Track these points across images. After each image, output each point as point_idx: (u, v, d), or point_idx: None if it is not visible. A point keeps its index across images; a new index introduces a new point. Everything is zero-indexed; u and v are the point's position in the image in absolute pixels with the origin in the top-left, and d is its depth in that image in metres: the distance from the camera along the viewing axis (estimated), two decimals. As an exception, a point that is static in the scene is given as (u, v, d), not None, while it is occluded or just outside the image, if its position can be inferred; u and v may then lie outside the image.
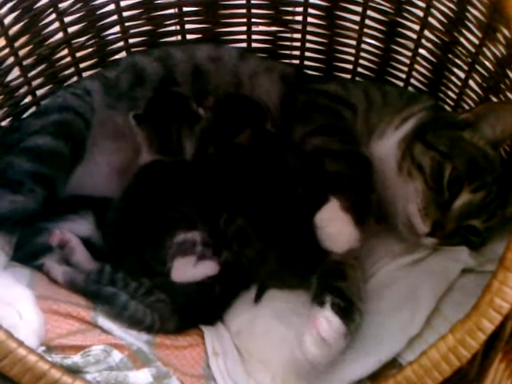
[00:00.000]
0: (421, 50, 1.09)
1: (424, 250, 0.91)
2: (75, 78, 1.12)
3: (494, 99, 0.95)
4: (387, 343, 0.80)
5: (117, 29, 1.12)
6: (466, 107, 1.04)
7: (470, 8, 0.93)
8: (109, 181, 1.00)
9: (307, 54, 1.19)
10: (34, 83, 1.06)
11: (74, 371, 0.69)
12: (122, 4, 1.10)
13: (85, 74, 1.13)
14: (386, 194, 0.93)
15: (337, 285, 0.84)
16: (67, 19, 1.05)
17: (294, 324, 0.86)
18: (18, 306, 0.74)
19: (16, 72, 1.02)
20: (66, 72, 1.11)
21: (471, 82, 1.01)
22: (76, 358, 0.71)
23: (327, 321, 0.77)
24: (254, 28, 1.18)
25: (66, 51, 1.08)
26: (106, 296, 0.82)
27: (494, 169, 0.87)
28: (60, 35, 1.06)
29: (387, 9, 1.08)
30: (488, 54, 0.93)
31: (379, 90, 1.04)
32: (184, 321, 0.85)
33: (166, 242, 0.88)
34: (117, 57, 1.15)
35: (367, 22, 1.11)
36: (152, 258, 0.88)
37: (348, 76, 1.19)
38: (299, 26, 1.16)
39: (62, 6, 1.03)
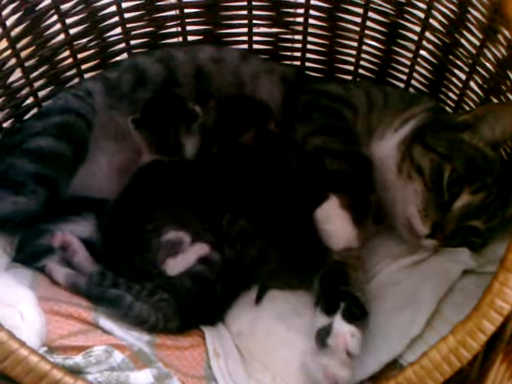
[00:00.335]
0: (422, 52, 1.09)
1: (425, 252, 0.91)
2: (77, 80, 1.12)
3: (495, 100, 0.95)
4: (388, 344, 0.80)
5: (118, 30, 1.13)
6: (467, 108, 1.04)
7: (470, 9, 0.93)
8: (110, 181, 1.00)
9: (308, 55, 1.19)
10: (36, 85, 1.06)
11: (76, 372, 0.69)
12: (124, 5, 1.10)
13: (86, 76, 1.13)
14: (385, 195, 0.93)
15: (347, 290, 0.84)
16: (69, 21, 1.05)
17: (295, 324, 0.86)
18: (19, 307, 0.74)
19: (18, 73, 1.02)
20: (68, 73, 1.11)
21: (472, 84, 1.01)
22: (77, 359, 0.71)
23: (351, 335, 0.77)
24: (255, 29, 1.18)
25: (67, 52, 1.09)
26: (111, 298, 0.82)
27: (493, 170, 0.87)
28: (62, 37, 1.06)
29: (388, 10, 1.08)
30: (489, 55, 0.93)
31: (380, 91, 1.04)
32: (186, 320, 0.85)
33: (152, 244, 0.88)
34: (118, 58, 1.15)
35: (368, 23, 1.11)
36: (142, 262, 0.88)
37: (349, 77, 1.19)
38: (300, 28, 1.16)
39: (64, 7, 1.04)
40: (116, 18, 1.11)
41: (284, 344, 0.84)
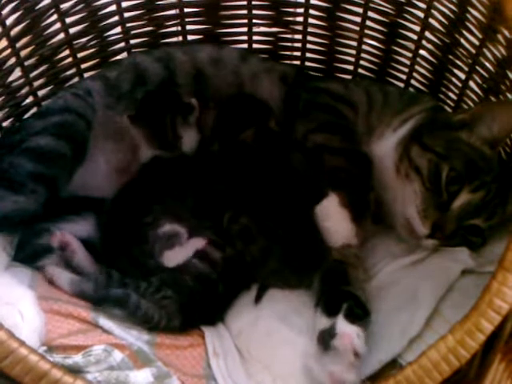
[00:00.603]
0: (421, 51, 1.09)
1: (424, 251, 0.91)
2: (77, 79, 1.12)
3: (494, 100, 0.95)
4: (387, 344, 0.80)
5: (118, 30, 1.13)
6: (467, 108, 1.04)
7: (470, 9, 0.93)
8: (109, 181, 1.00)
9: (308, 54, 1.19)
10: (36, 84, 1.06)
11: (75, 371, 0.70)
12: (124, 5, 1.10)
13: (86, 75, 1.13)
14: (385, 195, 0.93)
15: (348, 289, 0.84)
16: (69, 20, 1.05)
17: (295, 324, 0.86)
18: (19, 306, 0.75)
19: (17, 73, 1.02)
20: (68, 73, 1.11)
21: (471, 83, 1.01)
22: (77, 358, 0.71)
23: (357, 335, 0.77)
24: (254, 29, 1.18)
25: (67, 52, 1.09)
26: (118, 298, 0.82)
27: (491, 168, 0.87)
28: (61, 36, 1.06)
29: (388, 10, 1.08)
30: (488, 54, 0.93)
31: (380, 90, 1.04)
32: (187, 319, 0.85)
33: (149, 236, 0.88)
34: (118, 57, 1.15)
35: (368, 23, 1.11)
36: (140, 254, 0.88)
37: (349, 77, 1.19)
38: (300, 27, 1.16)
39: (64, 6, 1.04)
40: (116, 18, 1.11)
41: (284, 344, 0.84)
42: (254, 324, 0.87)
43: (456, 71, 1.04)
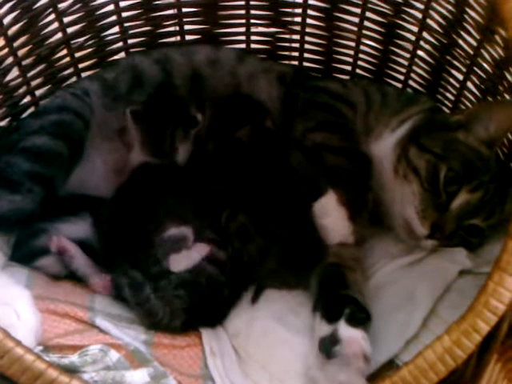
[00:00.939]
0: (419, 52, 1.09)
1: (422, 251, 0.91)
2: (74, 79, 1.12)
3: (492, 101, 0.95)
4: (384, 344, 0.80)
5: (116, 29, 1.12)
6: (464, 108, 1.04)
7: (468, 10, 0.93)
8: (106, 181, 1.00)
9: (306, 55, 1.19)
10: (33, 83, 1.06)
11: (71, 371, 0.70)
12: (122, 4, 1.10)
13: (84, 75, 1.13)
14: (383, 196, 0.93)
15: (346, 293, 0.84)
16: (66, 19, 1.05)
17: (291, 324, 0.86)
18: (15, 306, 0.74)
19: (15, 72, 1.02)
20: (65, 72, 1.11)
21: (469, 84, 1.01)
22: (73, 358, 0.71)
23: (363, 338, 0.76)
24: (253, 29, 1.18)
25: (65, 51, 1.09)
26: (133, 282, 0.83)
27: (489, 168, 0.87)
28: (59, 35, 1.06)
29: (386, 10, 1.08)
30: (486, 55, 0.93)
31: (378, 90, 1.04)
32: (189, 321, 0.85)
33: (155, 241, 0.88)
34: (116, 57, 1.15)
35: (366, 23, 1.11)
36: (145, 259, 0.88)
37: (347, 77, 1.19)
38: (298, 27, 1.16)
39: (62, 6, 1.03)
40: (113, 17, 1.11)
41: (281, 344, 0.84)
42: (251, 324, 0.87)
43: (454, 72, 1.04)
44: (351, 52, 1.16)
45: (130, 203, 0.93)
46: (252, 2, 1.14)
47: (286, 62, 1.21)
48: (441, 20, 1.01)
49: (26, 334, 0.71)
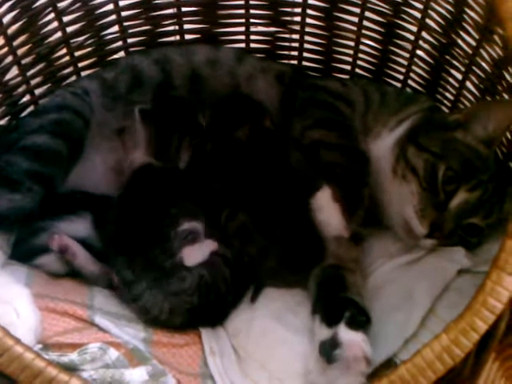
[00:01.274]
0: (418, 52, 1.09)
1: (420, 251, 0.91)
2: (74, 78, 1.12)
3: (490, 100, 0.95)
4: (383, 343, 0.80)
5: (115, 28, 1.12)
6: (463, 108, 1.04)
7: (467, 9, 0.93)
8: (106, 180, 1.00)
9: (305, 54, 1.19)
10: (33, 82, 1.06)
11: (71, 369, 0.70)
12: (121, 4, 1.10)
13: (83, 74, 1.13)
14: (382, 196, 0.93)
15: (346, 296, 0.84)
16: (66, 18, 1.05)
17: (290, 323, 0.86)
18: (15, 304, 0.74)
19: (14, 71, 1.02)
20: (65, 71, 1.11)
21: (468, 84, 1.01)
22: (72, 356, 0.71)
23: (363, 341, 0.76)
24: (252, 28, 1.17)
25: (64, 50, 1.08)
26: (127, 281, 0.83)
27: (488, 167, 0.87)
28: (59, 34, 1.06)
29: (385, 10, 1.08)
30: (485, 55, 0.93)
31: (377, 90, 1.04)
32: (191, 320, 0.86)
33: (170, 233, 0.88)
34: (115, 56, 1.15)
35: (365, 23, 1.11)
36: (161, 253, 0.87)
37: (346, 77, 1.19)
38: (298, 27, 1.16)
39: (61, 5, 1.03)
40: (113, 17, 1.11)
41: (280, 343, 0.84)
42: (250, 323, 0.87)
43: (453, 71, 1.04)
44: (351, 52, 1.16)
45: (138, 203, 0.92)
46: (251, 2, 1.14)
47: (286, 61, 1.21)
48: (440, 20, 1.01)
49: (25, 332, 0.72)
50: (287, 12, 1.16)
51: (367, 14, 1.10)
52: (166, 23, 1.15)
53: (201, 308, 0.85)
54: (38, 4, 1.00)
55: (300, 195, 0.91)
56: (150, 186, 0.95)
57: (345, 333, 0.77)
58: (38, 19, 1.01)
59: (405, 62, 1.12)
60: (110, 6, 1.09)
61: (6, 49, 0.98)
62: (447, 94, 1.08)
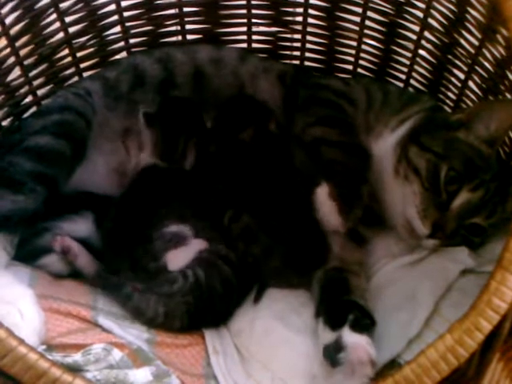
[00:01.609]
0: (420, 51, 1.09)
1: (423, 251, 0.91)
2: (76, 78, 1.12)
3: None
4: (387, 343, 0.80)
5: (117, 29, 1.13)
6: (466, 108, 1.04)
7: (469, 9, 0.93)
8: (108, 181, 1.00)
9: (307, 54, 1.19)
10: (35, 83, 1.06)
11: (75, 370, 0.70)
12: (123, 4, 1.10)
13: (85, 74, 1.13)
14: (384, 196, 0.93)
15: (349, 299, 0.84)
16: (68, 19, 1.05)
17: (293, 324, 0.86)
18: (19, 305, 0.74)
19: (17, 72, 1.02)
20: (67, 72, 1.11)
21: (471, 83, 1.01)
22: (76, 357, 0.71)
23: (368, 344, 0.76)
24: (254, 28, 1.18)
25: (66, 51, 1.09)
26: (112, 285, 0.83)
27: (490, 167, 0.87)
28: (61, 35, 1.06)
29: (387, 10, 1.08)
30: (487, 55, 0.93)
31: (380, 89, 1.04)
32: (192, 323, 0.85)
33: (154, 236, 0.88)
34: (117, 57, 1.15)
35: (367, 22, 1.11)
36: (143, 255, 0.88)
37: (348, 76, 1.19)
38: (299, 27, 1.16)
39: (63, 6, 1.03)
40: (115, 17, 1.11)
41: (283, 343, 0.84)
42: (254, 323, 0.87)
43: (455, 71, 1.04)
44: (353, 51, 1.16)
45: (135, 202, 0.93)
46: (253, 2, 1.14)
47: (288, 61, 1.21)
48: (442, 19, 1.01)
49: (29, 332, 0.72)
50: (289, 12, 1.16)
51: (369, 13, 1.10)
52: (168, 23, 1.15)
53: (200, 309, 0.85)
54: (40, 5, 1.00)
55: (304, 197, 0.91)
56: (150, 186, 0.95)
57: (349, 336, 0.77)
58: (40, 20, 1.02)
59: (407, 62, 1.12)
60: (112, 7, 1.10)
61: (8, 49, 0.98)
62: (449, 94, 1.08)
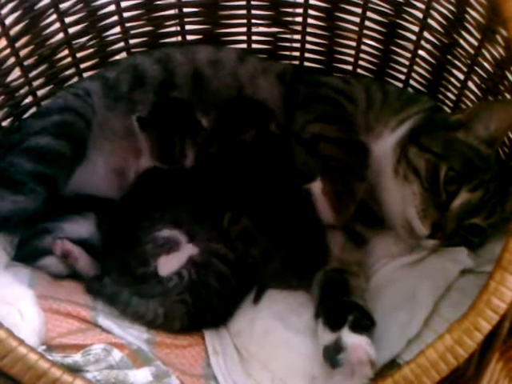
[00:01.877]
0: (420, 52, 1.09)
1: (423, 251, 0.91)
2: (76, 79, 1.12)
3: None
4: (386, 344, 0.80)
5: (117, 29, 1.12)
6: (465, 108, 1.04)
7: (469, 10, 0.93)
8: (108, 181, 1.00)
9: (307, 54, 1.19)
10: (35, 83, 1.06)
11: (75, 370, 0.70)
12: (123, 5, 1.10)
13: (85, 75, 1.13)
14: (383, 196, 0.94)
15: (349, 300, 0.84)
16: (68, 20, 1.05)
17: (293, 324, 0.86)
18: (19, 306, 0.75)
19: (17, 72, 1.02)
20: (67, 72, 1.11)
21: (470, 84, 1.01)
22: (76, 357, 0.72)
23: (367, 344, 0.76)
24: (254, 29, 1.18)
25: (66, 52, 1.09)
26: (109, 295, 0.83)
27: (489, 167, 0.87)
28: (61, 36, 1.06)
29: (387, 10, 1.08)
30: (487, 55, 0.93)
31: (380, 89, 1.04)
32: (192, 324, 0.86)
33: (145, 237, 0.88)
34: (117, 57, 1.15)
35: (367, 23, 1.11)
36: (132, 258, 0.88)
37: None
38: (299, 27, 1.16)
39: (63, 6, 1.03)
40: (115, 17, 1.11)
41: (283, 344, 0.84)
42: (253, 324, 0.87)
43: (455, 71, 1.04)
44: (352, 52, 1.16)
45: (132, 205, 0.93)
46: (253, 2, 1.14)
47: (287, 61, 1.21)
48: (442, 19, 1.01)
49: (29, 333, 0.72)
50: (288, 12, 1.16)
51: (369, 14, 1.10)
52: (167, 24, 1.15)
53: (200, 309, 0.85)
54: (40, 5, 1.00)
55: (303, 199, 0.91)
56: (150, 189, 0.95)
57: (348, 337, 0.77)
58: (40, 20, 1.02)
59: (407, 62, 1.12)
60: (112, 7, 1.10)
61: (8, 50, 0.98)
62: (449, 94, 1.08)
